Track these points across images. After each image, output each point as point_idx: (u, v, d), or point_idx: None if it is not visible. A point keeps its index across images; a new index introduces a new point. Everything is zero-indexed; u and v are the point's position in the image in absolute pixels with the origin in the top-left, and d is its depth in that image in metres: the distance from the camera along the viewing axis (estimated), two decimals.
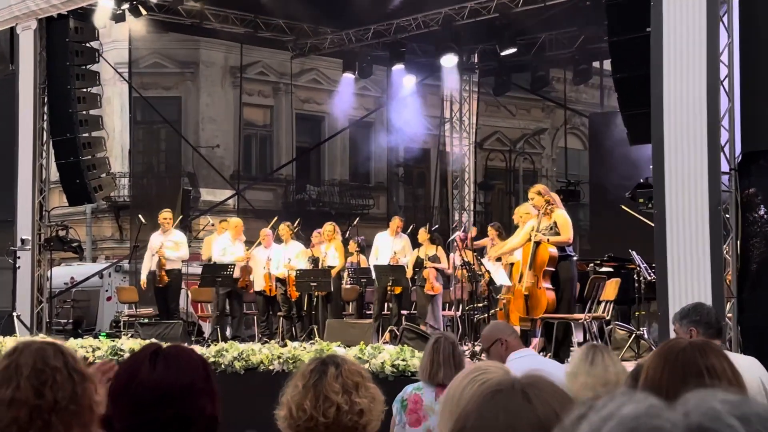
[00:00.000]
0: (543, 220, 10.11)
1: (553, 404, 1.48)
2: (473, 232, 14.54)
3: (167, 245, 14.12)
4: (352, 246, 15.29)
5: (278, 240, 14.60)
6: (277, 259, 14.08)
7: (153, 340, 11.62)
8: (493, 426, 1.44)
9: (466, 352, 8.12)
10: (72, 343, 11.94)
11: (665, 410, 1.02)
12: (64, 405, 2.21)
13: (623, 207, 13.01)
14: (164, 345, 2.39)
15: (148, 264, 14.31)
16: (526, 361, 4.95)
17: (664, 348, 2.75)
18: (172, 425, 2.22)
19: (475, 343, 9.94)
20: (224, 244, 14.39)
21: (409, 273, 13.75)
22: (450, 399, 2.25)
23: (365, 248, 15.27)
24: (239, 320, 14.35)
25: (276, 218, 15.23)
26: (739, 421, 0.99)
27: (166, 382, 2.23)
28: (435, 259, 13.73)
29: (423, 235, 13.95)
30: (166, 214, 14.50)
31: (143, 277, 14.41)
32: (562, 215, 10.18)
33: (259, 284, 14.60)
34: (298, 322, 13.84)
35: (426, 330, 12.02)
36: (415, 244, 14.24)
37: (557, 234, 10.04)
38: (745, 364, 4.37)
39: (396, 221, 14.45)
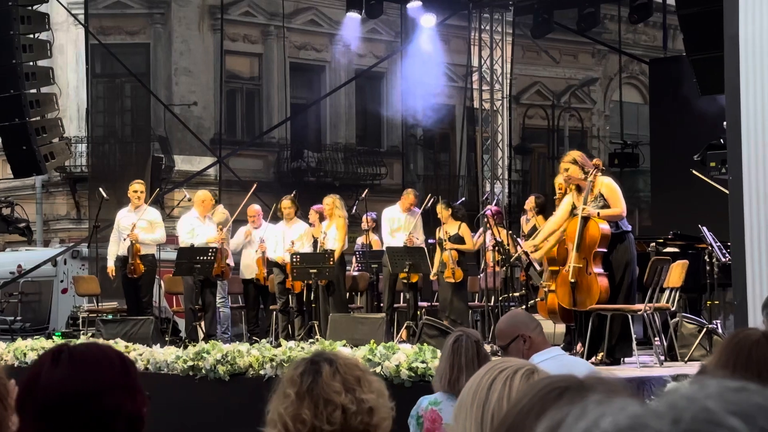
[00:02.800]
0: (587, 193, 10.04)
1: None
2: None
3: (140, 225, 14.08)
4: (364, 223, 15.28)
5: (274, 219, 14.58)
6: (273, 240, 14.06)
7: (119, 339, 11.72)
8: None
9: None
10: (21, 345, 12.03)
11: (652, 418, 1.03)
12: None
13: (694, 171, 12.96)
14: (72, 343, 2.56)
15: (115, 248, 14.24)
16: (554, 365, 4.80)
17: (732, 342, 2.74)
18: (85, 427, 2.34)
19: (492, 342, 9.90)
20: (192, 222, 14.34)
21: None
22: (474, 399, 2.26)
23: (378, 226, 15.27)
24: (212, 315, 14.27)
25: (295, 192, 14.93)
26: (740, 419, 1.00)
27: (71, 382, 2.35)
28: (457, 239, 13.72)
29: (443, 210, 13.89)
30: (137, 186, 14.39)
31: (110, 263, 14.28)
32: (609, 183, 10.12)
33: (249, 272, 14.61)
34: (297, 317, 13.87)
35: (449, 326, 12.05)
36: (436, 222, 14.23)
37: (607, 207, 10.00)
38: None
39: (410, 196, 14.40)
